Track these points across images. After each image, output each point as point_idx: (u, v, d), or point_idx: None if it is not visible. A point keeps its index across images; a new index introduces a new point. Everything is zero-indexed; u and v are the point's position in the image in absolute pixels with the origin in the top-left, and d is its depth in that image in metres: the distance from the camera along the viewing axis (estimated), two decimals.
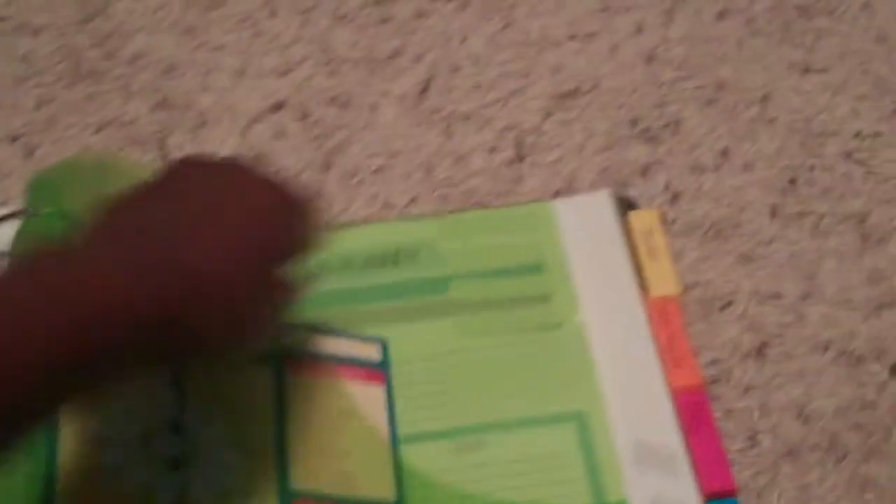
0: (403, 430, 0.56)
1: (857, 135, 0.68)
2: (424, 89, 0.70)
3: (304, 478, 0.52)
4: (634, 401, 0.57)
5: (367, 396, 0.56)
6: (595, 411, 0.57)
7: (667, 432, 0.56)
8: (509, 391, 0.58)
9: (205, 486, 0.51)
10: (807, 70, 0.70)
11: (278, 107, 0.69)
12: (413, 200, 0.65)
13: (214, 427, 0.53)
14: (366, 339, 0.58)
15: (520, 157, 0.67)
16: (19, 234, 0.59)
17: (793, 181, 0.66)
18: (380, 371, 0.57)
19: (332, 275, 0.61)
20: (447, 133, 0.68)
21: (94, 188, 0.59)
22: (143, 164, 0.65)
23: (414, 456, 0.55)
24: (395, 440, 0.55)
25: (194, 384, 0.54)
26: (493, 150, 0.67)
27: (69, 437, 0.52)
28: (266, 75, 0.71)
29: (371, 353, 0.58)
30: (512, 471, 0.55)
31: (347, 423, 0.55)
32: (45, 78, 0.71)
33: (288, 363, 0.55)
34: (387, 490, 0.54)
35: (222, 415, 0.53)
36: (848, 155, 0.67)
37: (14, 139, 0.68)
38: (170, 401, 0.53)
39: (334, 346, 0.57)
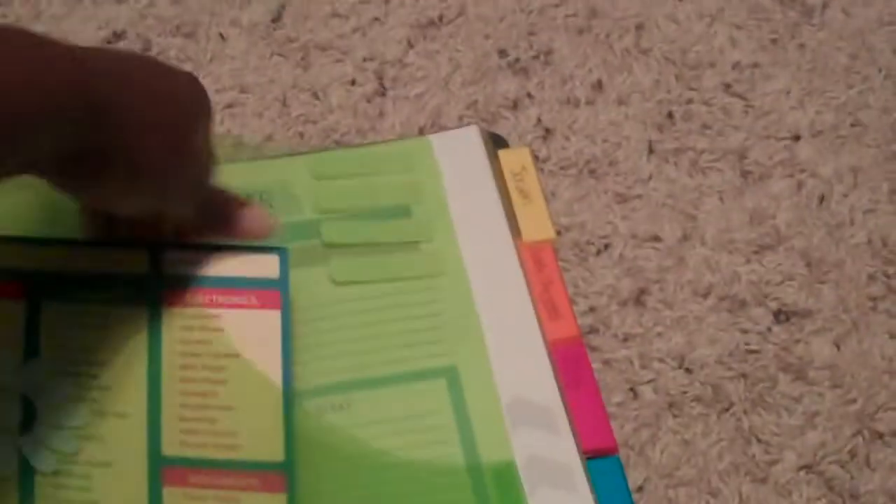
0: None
1: (736, 66, 0.64)
2: (277, 17, 0.65)
3: (176, 442, 0.47)
4: (510, 355, 0.53)
5: (257, 329, 0.49)
6: (469, 366, 0.53)
7: (544, 388, 0.52)
8: (382, 344, 0.54)
9: (49, 454, 0.46)
10: None
11: (118, 36, 0.64)
12: (268, 138, 0.60)
13: (66, 382, 0.47)
14: (262, 251, 0.50)
15: (381, 91, 0.62)
16: None
17: (670, 115, 0.62)
18: (275, 290, 0.49)
19: None
20: (303, 65, 0.63)
21: None
22: None
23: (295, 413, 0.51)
24: (286, 383, 0.49)
25: (48, 332, 0.48)
26: (352, 83, 0.63)
27: None
28: (103, 2, 0.65)
29: (267, 268, 0.50)
30: (382, 431, 0.51)
31: (231, 367, 0.49)
32: None
33: (165, 296, 0.49)
34: (275, 448, 0.48)
35: (78, 368, 0.48)
36: (726, 87, 0.64)
37: None
38: (13, 355, 0.48)
39: (221, 265, 0.49)
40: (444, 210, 0.57)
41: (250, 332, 0.48)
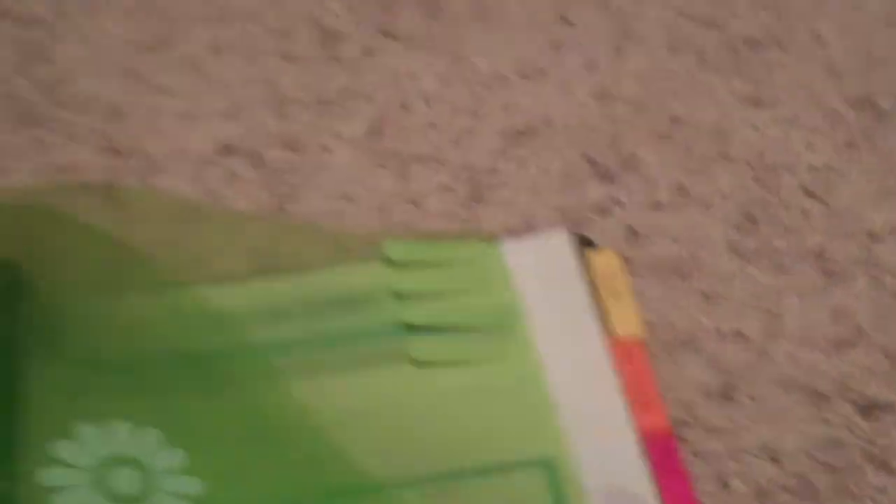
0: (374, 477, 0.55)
1: (812, 169, 0.67)
2: (376, 130, 0.69)
3: None
4: (602, 445, 0.56)
5: None
6: (562, 456, 0.56)
7: (637, 476, 0.55)
8: (473, 438, 0.57)
9: None
10: (758, 104, 0.70)
11: (228, 151, 0.68)
12: (369, 244, 0.64)
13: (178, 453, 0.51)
14: None
15: (476, 198, 0.66)
16: None
17: (750, 217, 0.65)
18: None
19: (290, 321, 0.60)
20: (402, 174, 0.67)
21: (31, 228, 0.58)
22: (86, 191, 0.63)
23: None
24: None
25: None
26: (448, 190, 0.66)
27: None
28: (215, 118, 0.69)
29: None
30: None
31: None
32: None
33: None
34: None
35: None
36: (804, 189, 0.67)
37: None
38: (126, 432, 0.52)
39: None
40: (533, 303, 0.60)
41: None
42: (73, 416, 0.54)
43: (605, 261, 0.62)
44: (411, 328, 0.60)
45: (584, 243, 0.63)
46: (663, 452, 0.56)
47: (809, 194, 0.66)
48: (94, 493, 0.52)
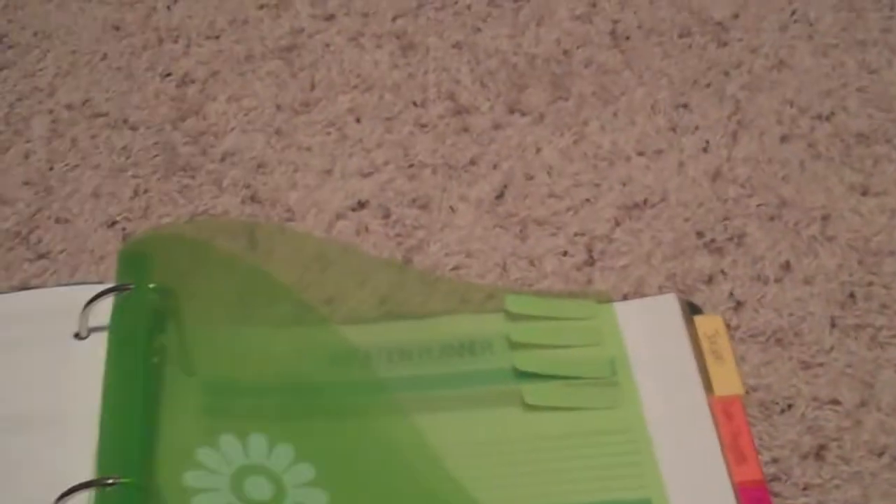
0: None
1: None
2: (500, 195, 0.74)
3: None
4: (699, 493, 0.59)
5: None
6: (660, 500, 0.59)
7: None
8: (577, 478, 0.60)
9: None
10: (865, 193, 0.74)
11: (361, 205, 0.73)
12: (489, 297, 0.68)
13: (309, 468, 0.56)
14: None
15: (590, 262, 0.70)
16: (116, 309, 0.63)
17: (852, 295, 0.69)
18: None
19: (412, 361, 0.64)
20: (521, 236, 0.71)
21: (183, 260, 0.63)
22: (231, 229, 0.68)
23: None
24: None
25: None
26: (565, 253, 0.71)
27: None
28: (350, 176, 0.74)
29: None
30: None
31: None
32: (142, 170, 0.75)
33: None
34: None
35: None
36: None
37: (111, 224, 0.72)
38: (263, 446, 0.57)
39: None
40: (640, 359, 0.64)
41: None
42: (216, 429, 0.59)
43: (710, 325, 0.66)
44: (524, 375, 0.64)
45: (692, 309, 0.67)
46: (756, 503, 0.59)
47: None
48: (231, 497, 0.57)
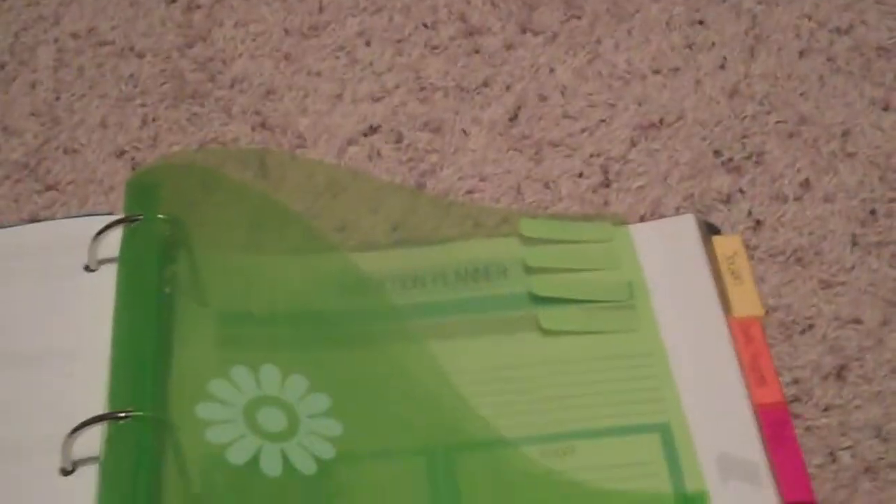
0: (486, 435, 0.58)
1: None
2: (513, 117, 0.72)
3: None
4: (719, 415, 0.59)
5: None
6: (678, 423, 0.58)
7: (750, 445, 0.58)
8: (594, 403, 0.60)
9: (310, 459, 0.54)
10: (886, 107, 0.72)
11: (373, 130, 0.72)
12: (505, 220, 0.67)
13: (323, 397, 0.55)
14: None
15: (606, 183, 0.69)
16: (125, 241, 0.62)
17: (873, 212, 0.68)
18: None
19: (426, 287, 0.63)
20: (536, 159, 0.70)
21: (192, 189, 0.62)
22: (242, 157, 0.67)
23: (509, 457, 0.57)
24: None
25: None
26: (580, 175, 0.69)
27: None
28: (361, 100, 0.73)
29: None
30: (601, 476, 0.57)
31: None
32: (149, 98, 0.74)
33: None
34: None
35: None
36: None
37: (120, 154, 0.71)
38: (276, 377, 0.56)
39: None
40: (658, 281, 0.63)
41: None
42: (228, 360, 0.58)
43: (729, 245, 0.65)
44: (541, 299, 0.63)
45: (710, 229, 0.66)
46: (776, 424, 0.58)
47: None
48: (245, 428, 0.56)
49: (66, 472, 0.54)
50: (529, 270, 0.64)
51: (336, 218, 0.66)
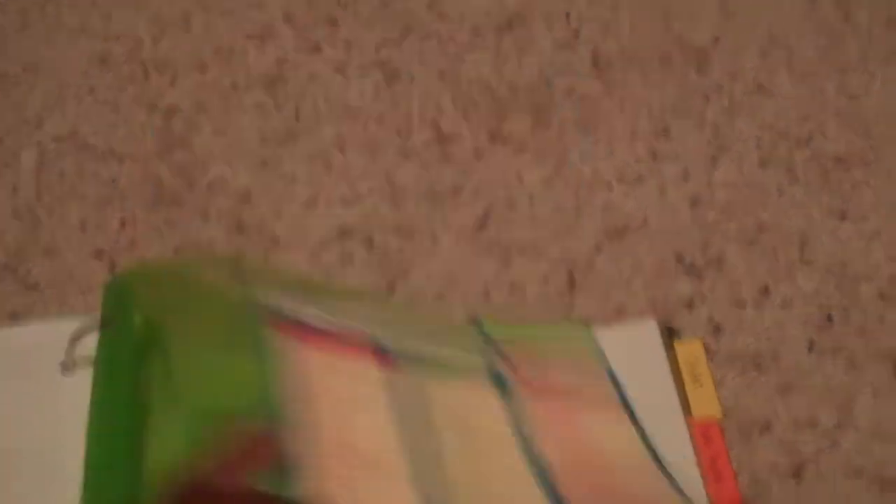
0: None
1: (891, 279, 0.72)
2: (482, 223, 0.74)
3: None
4: None
5: None
6: None
7: None
8: None
9: None
10: (843, 217, 0.75)
11: (346, 234, 0.74)
12: (470, 322, 0.69)
13: None
14: None
15: (572, 288, 0.71)
16: (101, 344, 0.63)
17: (829, 319, 0.70)
18: None
19: None
20: (503, 262, 0.72)
21: (168, 293, 0.64)
22: (217, 263, 0.69)
23: None
24: None
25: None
26: (546, 279, 0.71)
27: None
28: (335, 205, 0.75)
29: None
30: None
31: None
32: (129, 202, 0.76)
33: None
34: None
35: None
36: (882, 296, 0.71)
37: (98, 256, 0.73)
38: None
39: None
40: (620, 383, 0.65)
41: None
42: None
43: (690, 350, 0.67)
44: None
45: (671, 333, 0.68)
46: None
47: (887, 301, 0.71)
48: None
49: None
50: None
51: None
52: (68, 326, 0.63)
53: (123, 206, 0.76)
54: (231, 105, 0.81)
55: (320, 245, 0.73)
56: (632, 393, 0.65)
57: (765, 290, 0.71)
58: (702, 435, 0.63)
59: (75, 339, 0.62)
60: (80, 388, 0.61)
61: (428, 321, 0.67)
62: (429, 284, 0.71)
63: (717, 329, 0.69)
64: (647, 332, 0.67)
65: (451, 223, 0.74)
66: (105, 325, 0.63)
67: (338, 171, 0.77)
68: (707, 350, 0.67)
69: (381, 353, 0.63)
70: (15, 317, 0.69)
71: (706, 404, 0.64)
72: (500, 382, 0.64)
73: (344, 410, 0.61)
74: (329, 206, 0.75)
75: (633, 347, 0.67)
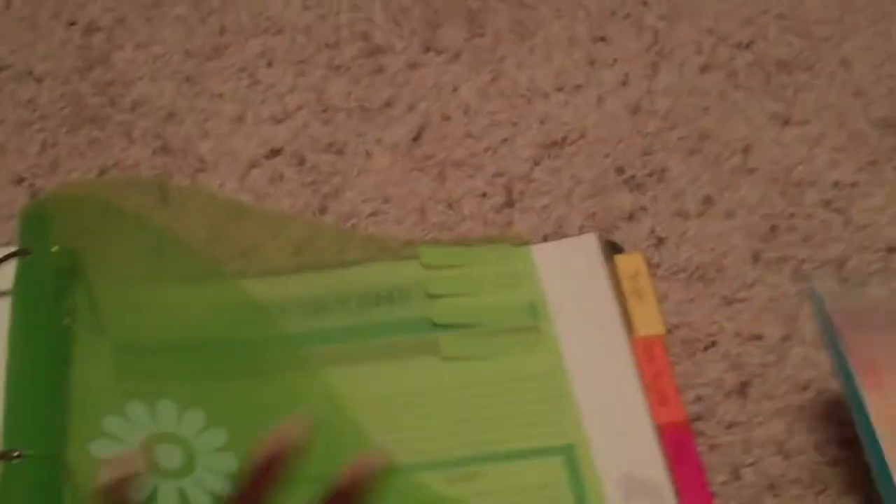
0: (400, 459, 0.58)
1: (836, 185, 0.70)
2: (417, 137, 0.72)
3: None
4: (621, 436, 0.59)
5: None
6: (581, 445, 0.58)
7: (653, 465, 0.58)
8: (498, 426, 0.60)
9: (206, 496, 0.53)
10: (787, 122, 0.73)
11: (275, 153, 0.71)
12: (407, 243, 0.67)
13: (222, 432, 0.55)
14: None
15: (510, 203, 0.69)
16: (19, 274, 0.61)
17: (773, 228, 0.68)
18: None
19: (327, 313, 0.63)
20: (439, 179, 0.70)
21: (89, 219, 0.61)
22: (140, 186, 0.66)
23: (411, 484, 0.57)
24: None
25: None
26: (483, 195, 0.69)
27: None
28: (263, 122, 0.73)
29: None
30: (506, 500, 0.57)
31: None
32: (49, 123, 0.73)
33: None
34: None
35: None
36: (826, 203, 0.69)
37: (19, 181, 0.70)
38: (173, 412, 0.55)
39: None
40: (559, 301, 0.63)
41: None
42: (124, 395, 0.58)
43: (631, 264, 0.65)
44: (442, 325, 0.63)
45: (612, 248, 0.66)
46: (679, 444, 0.59)
47: (832, 209, 0.69)
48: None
49: None
50: (430, 296, 0.64)
51: (238, 244, 0.65)
52: None
53: (44, 128, 0.73)
54: (153, 19, 0.78)
55: (249, 165, 0.71)
56: (573, 310, 0.63)
57: (708, 200, 0.69)
58: (644, 352, 0.61)
59: None
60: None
61: (364, 251, 0.65)
62: (363, 204, 0.69)
63: (659, 242, 0.67)
64: (588, 247, 0.66)
65: (385, 139, 0.72)
66: (23, 253, 0.60)
67: (265, 87, 0.75)
68: (649, 264, 0.66)
69: None
70: None
71: (649, 321, 0.62)
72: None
73: None
74: (257, 125, 0.73)
75: (572, 263, 0.65)
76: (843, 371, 0.57)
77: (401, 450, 0.58)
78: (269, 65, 0.76)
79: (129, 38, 0.77)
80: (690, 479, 0.57)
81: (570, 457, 0.58)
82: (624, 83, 0.75)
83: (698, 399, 0.62)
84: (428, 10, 0.78)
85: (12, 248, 0.61)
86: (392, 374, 0.61)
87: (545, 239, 0.67)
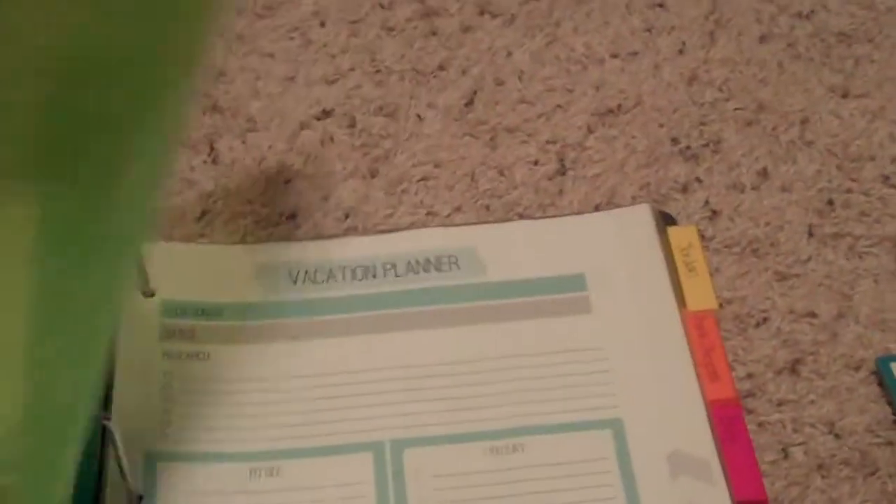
0: (436, 430, 0.57)
1: (895, 160, 0.69)
2: (469, 102, 0.71)
3: None
4: (671, 412, 0.58)
5: None
6: (633, 419, 0.58)
7: (702, 442, 0.57)
8: (545, 398, 0.59)
9: None
10: (846, 95, 0.72)
11: (326, 114, 0.71)
12: (457, 210, 0.66)
13: None
14: None
15: (562, 171, 0.68)
16: None
17: (830, 203, 0.67)
18: None
19: (376, 278, 0.62)
20: (491, 145, 0.69)
21: None
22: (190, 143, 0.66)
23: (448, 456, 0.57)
24: None
25: None
26: (536, 162, 0.69)
27: None
28: (314, 83, 0.72)
29: None
30: (551, 473, 0.56)
31: None
32: None
33: None
34: None
35: None
36: (885, 179, 0.68)
37: None
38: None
39: None
40: (611, 273, 0.62)
41: None
42: None
43: (684, 236, 0.64)
44: (492, 291, 0.62)
45: (665, 219, 0.65)
46: (729, 421, 0.58)
47: (890, 184, 0.68)
48: None
49: None
50: (480, 264, 0.63)
51: (287, 205, 0.64)
52: None
53: None
54: None
55: (299, 126, 0.70)
56: (624, 282, 0.62)
57: (763, 173, 0.68)
58: (696, 327, 0.60)
59: None
60: None
61: (414, 218, 0.64)
62: (413, 168, 0.68)
63: (713, 214, 0.66)
64: (640, 218, 0.65)
65: (437, 103, 0.71)
66: None
67: (317, 47, 0.74)
68: (702, 237, 0.65)
69: None
70: None
71: (701, 295, 0.62)
72: None
73: None
74: (308, 85, 0.72)
75: (624, 234, 0.64)
76: None
77: (444, 420, 0.57)
78: (322, 24, 0.75)
79: None
80: (740, 458, 0.57)
81: (618, 431, 0.58)
82: (681, 51, 0.74)
83: (749, 376, 0.61)
84: None
85: None
86: (440, 341, 0.60)
87: (597, 208, 0.66)
